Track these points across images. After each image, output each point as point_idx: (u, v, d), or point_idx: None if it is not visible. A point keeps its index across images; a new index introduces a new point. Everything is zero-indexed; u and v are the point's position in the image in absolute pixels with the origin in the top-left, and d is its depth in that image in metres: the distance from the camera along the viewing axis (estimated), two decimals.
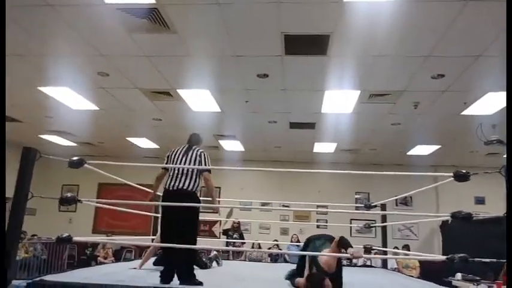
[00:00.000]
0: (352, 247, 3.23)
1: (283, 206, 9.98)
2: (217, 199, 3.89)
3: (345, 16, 4.31)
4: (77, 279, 3.09)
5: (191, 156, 3.74)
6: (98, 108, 7.67)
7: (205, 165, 3.72)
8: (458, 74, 5.59)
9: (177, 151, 3.84)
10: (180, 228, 3.54)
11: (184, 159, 3.74)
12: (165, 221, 3.75)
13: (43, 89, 6.68)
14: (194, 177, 3.68)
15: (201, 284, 3.32)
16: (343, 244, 3.28)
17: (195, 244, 3.60)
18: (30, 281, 2.96)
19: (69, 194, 3.61)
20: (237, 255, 9.06)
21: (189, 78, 6.13)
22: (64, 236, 3.30)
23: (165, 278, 3.41)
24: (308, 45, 4.97)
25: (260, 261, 9.20)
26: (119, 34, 4.83)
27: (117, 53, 5.40)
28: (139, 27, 4.67)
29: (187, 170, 3.68)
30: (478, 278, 5.60)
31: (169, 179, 3.71)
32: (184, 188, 3.62)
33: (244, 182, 11.27)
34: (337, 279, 3.33)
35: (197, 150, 3.79)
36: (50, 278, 3.12)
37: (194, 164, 3.69)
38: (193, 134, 4.05)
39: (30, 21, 4.64)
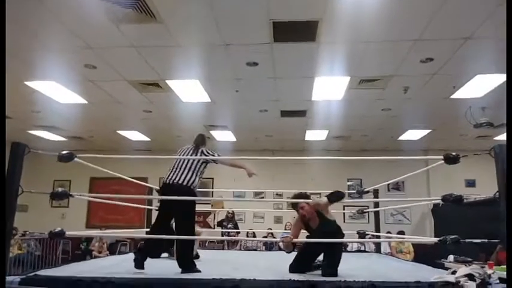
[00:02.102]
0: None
1: (277, 194, 10.00)
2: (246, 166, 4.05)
3: (333, 2, 4.28)
4: (71, 273, 3.07)
5: (189, 152, 3.93)
6: (86, 102, 7.58)
7: (209, 156, 3.90)
8: (447, 57, 5.60)
9: (186, 149, 4.01)
10: (176, 220, 3.71)
11: (181, 155, 3.92)
12: (159, 212, 3.92)
13: (29, 83, 6.58)
14: (191, 173, 3.78)
15: (199, 271, 3.45)
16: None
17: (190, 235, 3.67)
18: (24, 276, 2.94)
19: (60, 189, 3.56)
20: (232, 244, 9.11)
21: (178, 68, 6.07)
22: (57, 230, 3.27)
23: (138, 263, 3.49)
24: (297, 32, 4.94)
25: (255, 249, 9.26)
26: (105, 25, 4.75)
27: (103, 44, 5.32)
28: (125, 18, 4.60)
29: (186, 165, 3.81)
30: (469, 259, 5.68)
31: (168, 172, 3.84)
32: (179, 182, 3.71)
33: (237, 173, 11.22)
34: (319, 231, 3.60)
35: (202, 150, 3.95)
36: (44, 272, 3.10)
37: (197, 163, 3.82)
38: (200, 134, 4.17)
39: (15, 13, 4.54)
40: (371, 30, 4.89)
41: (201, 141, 4.07)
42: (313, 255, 3.66)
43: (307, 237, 3.82)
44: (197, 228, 5.15)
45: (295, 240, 3.72)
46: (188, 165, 3.81)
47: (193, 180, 3.77)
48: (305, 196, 3.78)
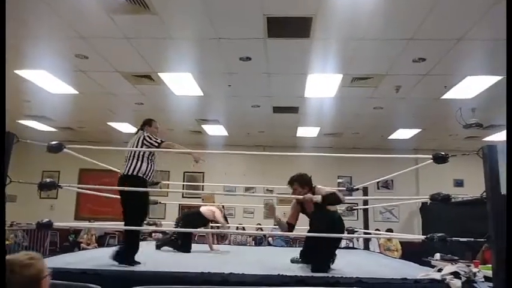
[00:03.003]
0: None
1: (267, 190, 10.02)
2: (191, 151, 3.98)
3: None
4: (59, 265, 3.05)
5: (133, 141, 3.92)
6: (77, 92, 7.50)
7: (145, 142, 3.84)
8: (440, 57, 5.63)
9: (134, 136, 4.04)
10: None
11: (129, 146, 3.93)
12: None
13: (19, 72, 6.49)
14: (136, 160, 3.79)
15: (132, 265, 3.44)
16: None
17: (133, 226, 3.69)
18: None
19: (48, 180, 3.53)
20: (221, 239, 9.11)
21: (171, 61, 6.04)
22: (44, 221, 3.25)
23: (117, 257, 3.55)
24: (291, 27, 4.93)
25: (245, 244, 9.29)
26: (97, 15, 4.69)
27: (96, 34, 5.26)
28: (118, 8, 4.54)
29: (131, 154, 3.84)
30: (456, 257, 5.75)
31: None
32: (125, 173, 3.78)
33: (228, 167, 11.27)
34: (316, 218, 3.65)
35: (139, 134, 3.95)
36: None
37: (136, 147, 3.82)
38: (146, 119, 4.18)
39: (6, 1, 4.46)
40: (365, 28, 4.90)
41: (143, 124, 4.08)
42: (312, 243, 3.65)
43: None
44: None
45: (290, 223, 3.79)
46: (133, 153, 3.83)
47: (139, 167, 3.76)
48: (306, 179, 3.77)
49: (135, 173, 3.75)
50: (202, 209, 5.48)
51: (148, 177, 3.85)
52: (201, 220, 5.42)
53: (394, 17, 4.63)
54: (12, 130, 3.09)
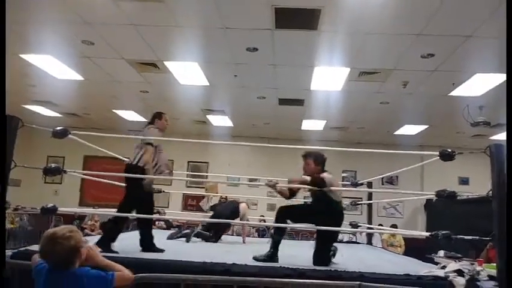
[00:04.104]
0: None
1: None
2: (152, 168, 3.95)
3: None
4: None
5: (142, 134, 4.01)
6: (82, 79, 7.49)
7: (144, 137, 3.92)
8: (448, 54, 5.56)
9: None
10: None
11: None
12: None
13: (25, 56, 6.47)
14: (138, 150, 3.88)
15: (114, 252, 3.43)
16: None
17: (119, 216, 3.76)
18: (15, 250, 2.93)
19: (53, 165, 3.53)
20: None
21: (177, 49, 6.00)
22: (49, 206, 3.26)
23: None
24: (299, 19, 4.87)
25: (248, 236, 9.28)
26: (104, 1, 4.65)
27: (102, 20, 5.22)
28: None
29: (136, 144, 3.95)
30: (459, 255, 5.74)
31: None
32: (129, 163, 3.87)
33: (232, 158, 11.25)
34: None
35: (145, 128, 4.03)
36: (35, 248, 3.08)
37: (141, 140, 3.91)
38: (155, 112, 4.25)
39: None
40: (373, 22, 4.84)
41: (153, 117, 4.15)
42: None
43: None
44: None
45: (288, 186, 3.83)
46: (137, 143, 3.96)
47: (137, 158, 3.82)
48: (323, 158, 3.76)
49: (134, 162, 3.82)
50: (242, 206, 5.75)
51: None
52: (235, 215, 5.63)
53: (403, 11, 4.56)
54: (17, 115, 3.08)
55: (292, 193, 3.93)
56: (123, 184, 3.92)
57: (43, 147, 10.47)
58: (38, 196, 10.43)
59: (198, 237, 5.29)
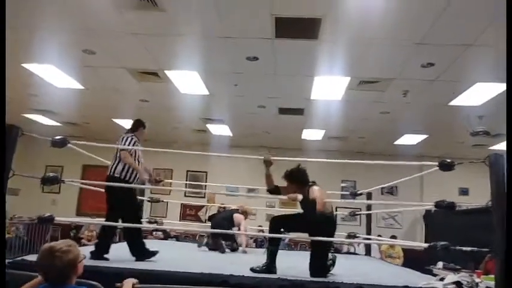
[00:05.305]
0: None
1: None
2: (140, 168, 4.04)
3: (337, 0, 4.24)
4: None
5: (119, 142, 4.02)
6: (83, 88, 7.50)
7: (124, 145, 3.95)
8: (449, 63, 5.58)
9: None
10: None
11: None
12: None
13: (27, 65, 6.50)
14: (113, 161, 3.93)
15: (105, 259, 3.59)
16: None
17: (108, 226, 3.89)
18: (11, 260, 2.91)
19: (51, 174, 3.53)
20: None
21: (178, 59, 6.02)
22: (46, 215, 3.25)
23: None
24: (299, 28, 4.90)
25: (246, 246, 9.21)
26: (106, 10, 4.68)
27: (103, 30, 5.24)
28: (127, 3, 4.53)
29: (115, 154, 3.96)
30: (458, 267, 5.69)
31: None
32: (107, 174, 3.93)
33: (231, 168, 11.22)
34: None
35: (123, 136, 4.06)
36: (31, 258, 3.06)
37: (117, 149, 3.95)
38: (136, 119, 4.39)
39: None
40: (374, 31, 4.85)
41: (132, 126, 4.24)
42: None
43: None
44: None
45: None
46: (115, 154, 3.95)
47: (115, 168, 3.87)
48: (295, 175, 3.68)
49: (111, 173, 3.89)
50: (236, 215, 5.97)
51: (127, 178, 3.90)
52: (231, 225, 5.85)
53: (404, 21, 4.59)
54: (18, 123, 3.09)
55: (275, 192, 3.87)
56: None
57: (42, 156, 10.45)
58: (36, 205, 10.35)
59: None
